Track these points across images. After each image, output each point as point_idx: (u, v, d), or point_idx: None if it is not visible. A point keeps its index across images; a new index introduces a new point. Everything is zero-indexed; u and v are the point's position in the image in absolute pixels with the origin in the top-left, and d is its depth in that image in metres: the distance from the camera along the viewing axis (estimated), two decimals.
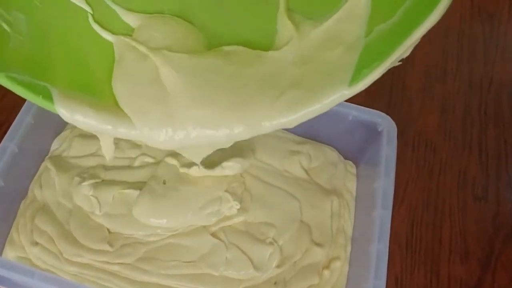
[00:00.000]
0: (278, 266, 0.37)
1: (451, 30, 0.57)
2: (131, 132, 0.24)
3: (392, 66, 0.23)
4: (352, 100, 0.40)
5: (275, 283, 0.36)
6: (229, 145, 0.26)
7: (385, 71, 0.23)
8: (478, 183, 0.47)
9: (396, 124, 0.40)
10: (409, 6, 0.22)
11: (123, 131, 0.24)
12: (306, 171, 0.42)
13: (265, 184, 0.40)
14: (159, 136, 0.24)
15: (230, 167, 0.39)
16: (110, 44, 0.28)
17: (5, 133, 0.37)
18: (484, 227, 0.45)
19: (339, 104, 0.39)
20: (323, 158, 0.43)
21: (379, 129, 0.40)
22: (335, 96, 0.23)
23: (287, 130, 0.44)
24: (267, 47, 0.27)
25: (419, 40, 0.22)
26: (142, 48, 0.26)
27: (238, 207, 0.38)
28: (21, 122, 0.38)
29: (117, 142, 0.41)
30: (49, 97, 0.24)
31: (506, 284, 0.42)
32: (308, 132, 0.43)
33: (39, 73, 0.25)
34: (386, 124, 0.39)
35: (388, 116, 0.40)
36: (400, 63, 0.23)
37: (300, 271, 0.37)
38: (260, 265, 0.36)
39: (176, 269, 0.36)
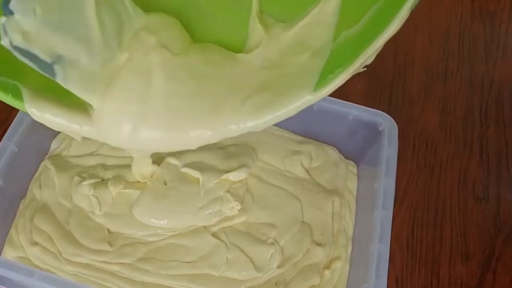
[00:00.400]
0: (279, 267, 0.37)
1: (452, 30, 0.57)
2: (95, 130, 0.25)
3: (356, 72, 0.23)
4: (353, 100, 0.41)
5: (276, 284, 0.36)
6: (196, 147, 0.26)
7: (349, 77, 0.23)
8: (479, 183, 0.47)
9: (397, 125, 0.40)
10: (372, 14, 0.23)
11: (87, 129, 0.25)
12: (307, 171, 0.42)
13: (267, 185, 0.40)
14: (123, 131, 0.25)
15: (237, 175, 0.39)
16: None
17: (4, 132, 0.37)
18: (484, 228, 0.44)
19: (340, 104, 0.40)
20: (324, 158, 0.42)
21: (380, 129, 0.40)
22: (300, 102, 0.24)
23: (287, 129, 0.44)
24: (239, 49, 0.27)
25: (381, 48, 0.22)
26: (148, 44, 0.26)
27: (239, 207, 0.38)
28: (21, 121, 0.38)
29: None
30: (19, 96, 0.24)
31: (507, 284, 0.42)
32: (309, 131, 0.43)
33: (11, 73, 0.25)
34: (387, 124, 0.39)
35: (389, 116, 0.40)
36: (365, 69, 0.23)
37: (301, 271, 0.37)
38: (261, 266, 0.36)
39: (176, 269, 0.36)
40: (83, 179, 0.39)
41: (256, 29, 0.28)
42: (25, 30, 0.22)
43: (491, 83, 0.53)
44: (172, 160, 0.39)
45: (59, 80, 0.24)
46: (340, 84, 0.23)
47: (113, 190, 0.38)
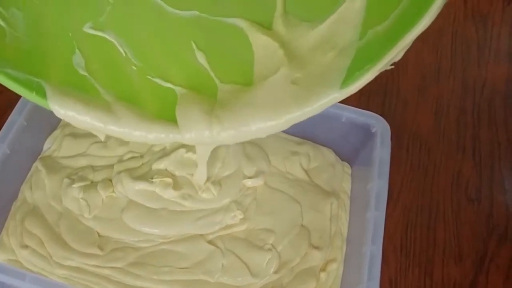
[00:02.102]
0: (275, 272, 0.36)
1: (445, 32, 0.57)
2: (120, 129, 0.25)
3: (384, 69, 0.23)
4: (347, 102, 0.40)
5: None
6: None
7: (377, 74, 0.23)
8: (472, 184, 0.47)
9: (391, 126, 0.40)
10: (401, 10, 0.22)
11: (112, 128, 0.25)
12: (306, 171, 0.42)
13: (271, 190, 0.40)
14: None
15: (255, 182, 0.39)
16: (105, 41, 0.28)
17: None
18: (477, 229, 0.45)
19: (333, 106, 0.40)
20: (322, 159, 0.43)
21: (373, 131, 0.40)
22: (327, 99, 0.24)
23: (285, 130, 0.44)
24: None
25: (410, 44, 0.22)
26: None
27: (242, 216, 0.38)
28: (13, 123, 0.37)
29: (106, 141, 0.41)
30: (42, 94, 0.24)
31: (500, 285, 0.42)
32: (303, 133, 0.43)
33: (34, 70, 0.25)
34: (379, 126, 0.40)
35: (381, 118, 0.40)
36: (392, 66, 0.23)
37: (297, 275, 0.37)
38: (257, 272, 0.36)
39: (170, 275, 0.36)
40: (73, 181, 0.39)
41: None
42: None
43: (484, 85, 0.54)
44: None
45: None
46: (368, 81, 0.23)
47: (103, 193, 0.38)
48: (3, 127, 0.37)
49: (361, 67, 0.23)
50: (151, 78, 0.27)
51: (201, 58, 0.27)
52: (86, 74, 0.26)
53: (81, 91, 0.25)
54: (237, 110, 0.25)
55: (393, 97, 0.52)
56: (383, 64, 0.22)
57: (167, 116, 0.26)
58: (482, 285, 0.42)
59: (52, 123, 0.43)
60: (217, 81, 0.27)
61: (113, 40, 0.27)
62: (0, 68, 0.24)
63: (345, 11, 0.25)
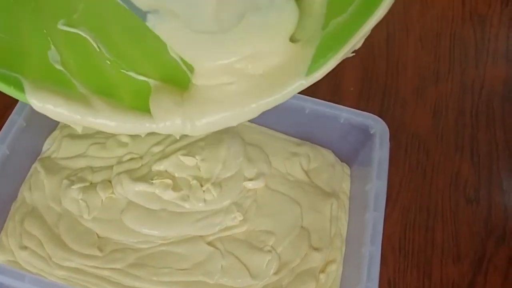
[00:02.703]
0: (275, 273, 0.36)
1: (443, 33, 0.57)
2: (97, 120, 0.26)
3: (346, 56, 0.24)
4: (346, 103, 0.41)
5: None
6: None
7: (339, 61, 0.24)
8: (470, 185, 0.47)
9: (389, 127, 0.40)
10: (359, 3, 0.24)
11: (86, 119, 0.26)
12: (306, 172, 0.42)
13: (271, 191, 0.40)
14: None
15: (256, 184, 0.39)
16: (80, 37, 0.28)
17: None
18: (476, 229, 0.45)
19: (331, 107, 0.40)
20: (321, 159, 0.43)
21: (371, 132, 0.40)
22: (294, 86, 0.25)
23: (281, 131, 0.44)
24: None
25: (369, 33, 0.24)
26: None
27: (241, 218, 0.38)
28: (13, 123, 0.38)
29: (104, 142, 0.41)
30: (20, 88, 0.25)
31: (498, 286, 0.42)
32: (301, 134, 0.43)
33: (11, 65, 0.26)
34: (378, 127, 0.40)
35: (380, 119, 0.40)
36: (353, 54, 0.25)
37: (297, 277, 0.37)
38: (257, 273, 0.36)
39: (169, 276, 0.36)
40: (72, 182, 0.39)
41: None
42: None
43: (482, 86, 0.54)
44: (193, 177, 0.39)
45: (149, 24, 0.26)
46: (331, 68, 0.24)
47: (102, 194, 0.38)
48: (3, 128, 0.37)
49: (324, 55, 0.24)
50: (125, 71, 0.28)
51: (172, 51, 0.28)
52: (62, 69, 0.27)
53: (58, 85, 0.26)
54: (204, 102, 0.26)
55: (391, 98, 0.52)
56: (345, 51, 0.24)
57: (142, 107, 0.27)
58: (480, 285, 0.42)
59: (52, 124, 0.43)
60: (188, 73, 0.27)
61: (87, 36, 0.28)
62: None
63: (308, 6, 0.27)
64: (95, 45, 0.28)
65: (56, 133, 0.42)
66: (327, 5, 0.26)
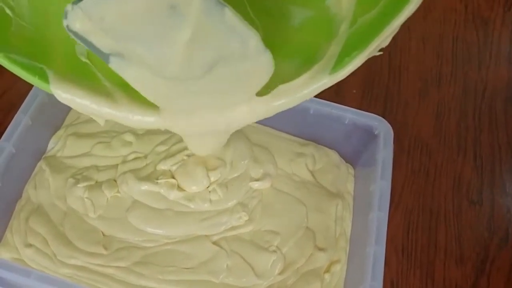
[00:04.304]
0: (280, 273, 0.36)
1: (446, 36, 0.58)
2: (117, 113, 0.26)
3: (372, 54, 0.24)
4: (348, 105, 0.41)
5: None
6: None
7: (365, 60, 0.24)
8: (473, 187, 0.47)
9: (392, 129, 0.40)
10: (387, 1, 0.24)
11: (109, 111, 0.26)
12: (311, 173, 0.42)
13: (276, 191, 0.40)
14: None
15: (261, 185, 0.39)
16: None
17: (1, 134, 0.37)
18: (479, 231, 0.45)
19: (336, 108, 0.40)
20: (327, 160, 0.43)
21: (376, 132, 0.40)
22: (317, 85, 0.24)
23: (288, 132, 0.44)
24: None
25: (397, 30, 0.23)
26: None
27: (247, 218, 0.38)
28: (19, 122, 0.38)
29: (109, 141, 0.41)
30: (45, 78, 0.25)
31: (501, 287, 0.42)
32: (306, 135, 0.44)
33: (37, 56, 0.26)
34: (382, 128, 0.40)
35: (384, 120, 0.40)
36: (381, 52, 0.24)
37: (302, 277, 0.37)
38: (262, 273, 0.36)
39: (175, 274, 0.36)
40: (77, 181, 0.39)
41: None
42: (88, 20, 0.23)
43: (484, 88, 0.54)
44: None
45: (111, 66, 0.24)
46: (356, 67, 0.24)
47: (108, 193, 0.38)
48: (9, 127, 0.38)
49: (349, 53, 0.24)
50: None
51: None
52: (88, 61, 0.27)
53: (82, 78, 0.26)
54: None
55: (394, 101, 0.52)
56: (371, 49, 0.23)
57: None
58: (483, 287, 0.42)
59: (57, 123, 0.43)
60: None
61: None
62: (5, 53, 0.25)
63: (336, 4, 0.26)
64: None
65: (61, 132, 0.43)
66: (356, 3, 0.25)
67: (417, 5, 0.22)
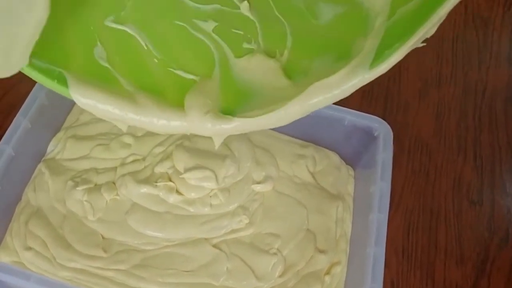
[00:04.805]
0: (281, 276, 0.36)
1: (446, 36, 0.58)
2: (142, 118, 0.25)
3: (415, 46, 0.22)
4: (348, 105, 0.41)
5: None
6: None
7: (407, 52, 0.22)
8: (473, 187, 0.47)
9: (392, 129, 0.40)
10: None
11: (132, 116, 0.25)
12: (312, 174, 0.42)
13: (278, 194, 0.40)
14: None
15: (263, 187, 0.39)
16: (127, 35, 0.28)
17: (1, 137, 0.37)
18: (479, 231, 0.45)
19: (335, 109, 0.40)
20: (327, 161, 0.43)
21: (375, 134, 0.40)
22: (356, 80, 0.23)
23: (287, 134, 0.44)
24: None
25: (444, 17, 0.21)
26: None
27: (247, 221, 0.38)
28: (18, 125, 0.38)
29: (108, 143, 0.41)
30: (63, 82, 0.25)
31: (501, 287, 0.42)
32: (305, 136, 0.44)
33: (56, 61, 0.25)
34: (382, 129, 0.40)
35: (384, 121, 0.40)
36: (424, 44, 0.22)
37: (302, 279, 0.37)
38: (262, 275, 0.36)
39: (174, 277, 0.36)
40: (77, 184, 0.39)
41: None
42: None
43: (484, 89, 0.54)
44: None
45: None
46: (398, 60, 0.22)
47: (107, 196, 0.38)
48: (8, 129, 0.37)
49: (390, 45, 0.22)
50: (173, 70, 0.27)
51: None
52: (107, 65, 0.27)
53: (102, 82, 0.26)
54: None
55: (394, 101, 0.52)
56: (415, 40, 0.22)
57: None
58: (483, 287, 0.42)
59: (56, 125, 0.43)
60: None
61: (134, 34, 0.28)
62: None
63: None
64: (142, 43, 0.28)
65: (60, 134, 0.43)
66: None
67: None
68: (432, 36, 0.62)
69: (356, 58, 0.23)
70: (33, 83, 0.39)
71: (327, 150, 0.43)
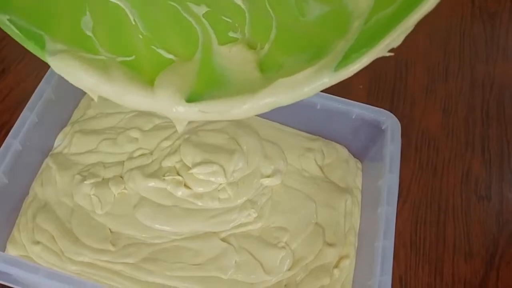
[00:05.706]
0: (289, 269, 0.36)
1: (453, 31, 0.57)
2: (110, 89, 0.25)
3: (381, 54, 0.22)
4: (355, 100, 0.41)
5: (285, 286, 0.36)
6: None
7: (373, 59, 0.22)
8: (481, 182, 0.47)
9: (399, 124, 0.40)
10: None
11: (103, 87, 0.25)
12: (320, 168, 0.42)
13: (286, 188, 0.40)
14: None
15: (272, 181, 0.39)
16: (117, 8, 0.28)
17: (8, 132, 0.37)
18: (487, 226, 0.45)
19: (343, 102, 0.40)
20: (335, 155, 0.43)
21: (383, 127, 0.40)
22: (319, 82, 0.23)
23: (295, 128, 0.44)
24: None
25: (411, 28, 0.22)
26: None
27: (256, 215, 0.38)
28: (25, 120, 0.38)
29: (115, 137, 0.41)
30: (41, 45, 0.25)
31: (510, 282, 0.42)
32: (313, 130, 0.43)
33: (39, 22, 0.25)
34: (389, 122, 0.40)
35: (391, 114, 0.40)
36: (392, 53, 0.22)
37: (311, 272, 0.37)
38: (271, 269, 0.36)
39: (183, 270, 0.36)
40: (84, 178, 0.39)
41: None
42: None
43: (492, 83, 0.54)
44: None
45: None
46: (364, 66, 0.22)
47: (115, 190, 0.38)
48: (15, 124, 0.37)
49: (358, 49, 0.22)
50: (155, 48, 0.28)
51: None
52: (91, 35, 0.27)
53: (81, 51, 0.26)
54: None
55: (401, 96, 0.52)
56: (381, 47, 0.22)
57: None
58: (492, 282, 0.42)
59: (63, 120, 0.43)
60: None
61: (125, 8, 0.28)
62: (5, 14, 0.24)
63: (354, 2, 0.25)
64: (131, 18, 0.28)
65: (67, 128, 0.43)
66: (375, 0, 0.24)
67: (434, 5, 0.21)
68: (439, 30, 0.61)
69: (325, 59, 0.23)
70: (39, 79, 0.40)
71: (335, 143, 0.43)
